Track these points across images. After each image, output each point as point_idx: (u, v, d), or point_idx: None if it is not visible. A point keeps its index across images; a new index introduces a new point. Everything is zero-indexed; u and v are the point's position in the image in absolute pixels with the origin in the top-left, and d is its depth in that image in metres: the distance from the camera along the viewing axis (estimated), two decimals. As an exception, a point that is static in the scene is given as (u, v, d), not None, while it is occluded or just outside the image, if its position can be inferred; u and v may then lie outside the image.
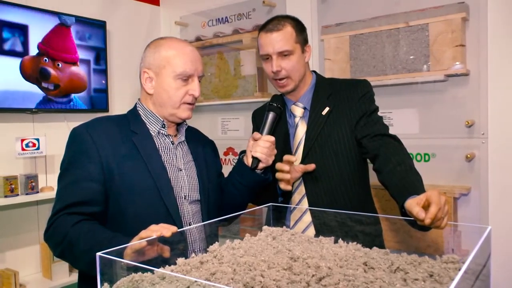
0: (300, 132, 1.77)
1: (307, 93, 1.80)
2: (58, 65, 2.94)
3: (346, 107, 1.74)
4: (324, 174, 1.72)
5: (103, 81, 3.26)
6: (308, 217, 1.72)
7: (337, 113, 1.74)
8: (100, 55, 3.22)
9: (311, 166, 1.69)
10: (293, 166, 1.69)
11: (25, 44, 2.79)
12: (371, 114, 1.73)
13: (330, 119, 1.73)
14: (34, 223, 2.98)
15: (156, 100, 1.55)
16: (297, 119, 1.79)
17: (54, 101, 2.93)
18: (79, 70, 3.08)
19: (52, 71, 2.92)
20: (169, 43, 1.55)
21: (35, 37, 2.84)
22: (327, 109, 1.74)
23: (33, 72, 2.83)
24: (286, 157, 1.65)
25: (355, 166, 1.75)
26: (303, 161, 1.73)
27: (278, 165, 1.65)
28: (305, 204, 1.74)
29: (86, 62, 3.13)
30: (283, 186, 1.66)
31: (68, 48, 3.02)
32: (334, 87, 1.80)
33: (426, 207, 1.21)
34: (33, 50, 2.83)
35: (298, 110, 1.79)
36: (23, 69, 2.78)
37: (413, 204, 1.23)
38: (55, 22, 2.94)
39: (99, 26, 3.24)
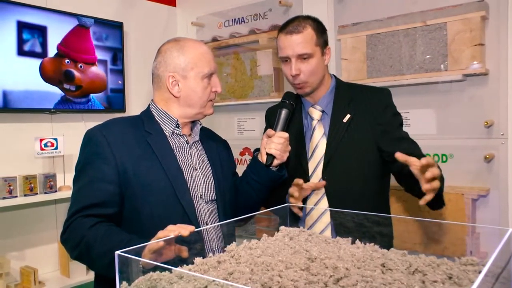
0: (317, 135, 1.75)
1: (326, 96, 1.79)
2: (80, 66, 2.98)
3: (369, 115, 1.73)
4: (346, 182, 1.71)
5: (120, 81, 3.29)
6: (326, 218, 1.71)
7: (359, 120, 1.73)
8: (117, 55, 3.25)
9: (321, 184, 1.68)
10: (303, 185, 1.67)
11: (44, 45, 2.83)
12: (398, 129, 1.74)
13: (351, 127, 1.72)
14: (53, 221, 3.02)
15: (184, 102, 1.56)
16: (314, 122, 1.77)
17: (72, 102, 2.97)
18: (99, 70, 3.12)
19: (76, 72, 2.98)
20: (190, 45, 1.57)
21: (54, 38, 2.88)
22: (348, 116, 1.73)
23: (54, 74, 2.86)
24: (296, 181, 1.65)
25: (376, 173, 1.75)
26: (325, 169, 1.72)
27: (291, 191, 1.65)
28: (322, 206, 1.73)
29: (103, 62, 3.16)
30: (295, 211, 1.64)
31: (87, 49, 3.05)
32: (354, 92, 1.79)
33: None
34: (52, 51, 2.87)
35: (316, 113, 1.78)
36: (43, 70, 2.82)
37: (414, 158, 1.35)
38: (73, 23, 2.97)
39: (116, 27, 3.27)
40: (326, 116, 1.78)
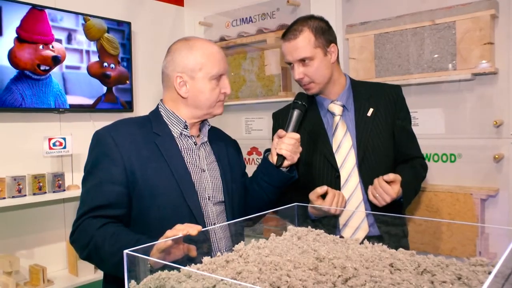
0: (340, 131, 1.76)
1: (345, 92, 1.81)
2: (51, 47, 2.89)
3: (389, 109, 1.77)
4: (382, 175, 1.71)
5: (128, 81, 3.30)
6: (355, 222, 1.71)
7: (380, 114, 1.76)
8: (72, 35, 3.07)
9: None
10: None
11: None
12: (411, 129, 1.81)
13: (376, 121, 1.74)
14: (61, 220, 3.03)
15: (191, 102, 1.55)
16: (337, 118, 1.78)
17: (31, 77, 2.81)
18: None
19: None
20: (199, 45, 1.55)
21: (9, 20, 2.71)
22: (371, 110, 1.75)
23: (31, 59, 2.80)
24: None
25: (392, 167, 1.77)
26: (360, 166, 1.73)
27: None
28: (362, 209, 1.73)
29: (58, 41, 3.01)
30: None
31: (45, 31, 2.89)
32: (371, 88, 1.83)
33: None
34: (6, 32, 2.69)
35: (337, 108, 1.78)
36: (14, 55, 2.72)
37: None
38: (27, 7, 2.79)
39: (125, 27, 3.29)
40: (346, 112, 1.79)
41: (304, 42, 1.68)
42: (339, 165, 1.74)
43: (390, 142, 1.76)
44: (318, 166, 1.76)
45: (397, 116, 1.78)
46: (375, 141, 1.73)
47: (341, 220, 1.71)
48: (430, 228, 2.18)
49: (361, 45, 2.67)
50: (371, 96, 1.79)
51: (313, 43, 1.69)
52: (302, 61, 1.70)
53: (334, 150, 1.76)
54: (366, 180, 1.71)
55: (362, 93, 1.80)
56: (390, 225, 1.55)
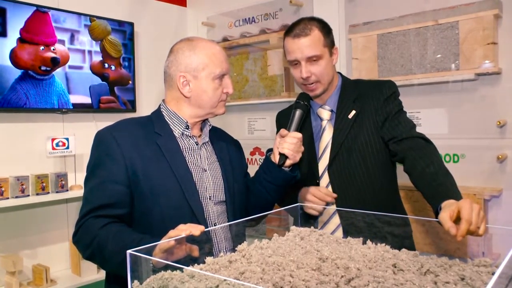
0: (327, 136, 1.75)
1: (334, 96, 1.78)
2: (53, 49, 2.91)
3: (372, 109, 1.71)
4: (352, 177, 1.71)
5: (130, 81, 3.30)
6: (337, 219, 1.70)
7: (363, 115, 1.71)
8: (74, 36, 3.07)
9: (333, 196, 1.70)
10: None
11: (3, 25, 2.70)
12: (396, 115, 1.69)
13: (357, 122, 1.71)
14: (64, 220, 3.04)
15: (194, 102, 1.55)
16: (324, 123, 1.77)
17: (34, 78, 2.83)
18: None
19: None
20: (202, 45, 1.56)
21: (14, 21, 2.73)
22: (353, 112, 1.72)
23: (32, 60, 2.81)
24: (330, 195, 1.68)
25: (382, 168, 1.73)
26: (330, 165, 1.72)
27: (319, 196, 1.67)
28: (332, 207, 1.73)
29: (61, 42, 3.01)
30: (311, 212, 1.67)
31: (48, 33, 2.92)
32: (360, 89, 1.77)
33: (458, 219, 1.15)
34: (11, 33, 2.72)
35: (325, 113, 1.77)
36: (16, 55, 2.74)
37: (446, 219, 1.16)
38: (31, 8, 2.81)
39: (127, 27, 3.29)
40: (334, 116, 1.77)
41: (315, 40, 1.66)
42: (320, 170, 1.74)
43: (373, 143, 1.71)
44: (301, 171, 1.75)
45: (380, 113, 1.70)
46: (351, 143, 1.70)
47: (323, 218, 1.73)
48: (433, 229, 2.18)
49: (364, 45, 2.67)
50: (357, 98, 1.74)
51: (322, 42, 1.68)
52: (310, 59, 1.67)
53: (319, 155, 1.75)
54: (334, 181, 1.72)
55: (348, 95, 1.76)
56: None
